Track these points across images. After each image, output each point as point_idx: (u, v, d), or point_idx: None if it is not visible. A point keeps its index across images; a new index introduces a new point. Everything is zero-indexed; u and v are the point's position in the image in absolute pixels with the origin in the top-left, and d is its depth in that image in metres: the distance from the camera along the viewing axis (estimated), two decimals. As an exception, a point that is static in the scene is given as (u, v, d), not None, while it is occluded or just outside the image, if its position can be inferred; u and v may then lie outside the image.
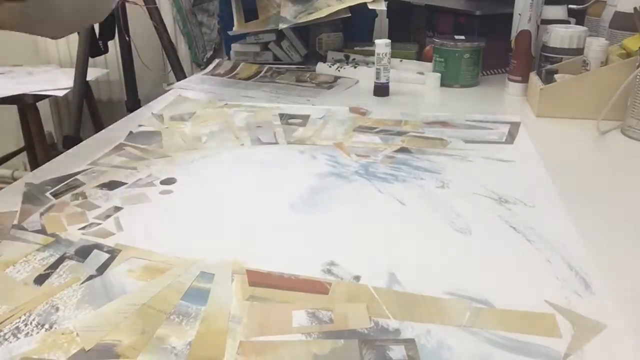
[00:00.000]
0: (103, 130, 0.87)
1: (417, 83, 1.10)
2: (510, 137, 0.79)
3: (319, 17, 1.17)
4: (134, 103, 1.69)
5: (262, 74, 1.16)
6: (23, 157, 1.97)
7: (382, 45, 0.98)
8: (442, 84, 1.07)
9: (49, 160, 0.73)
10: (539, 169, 0.68)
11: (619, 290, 0.44)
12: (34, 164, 1.82)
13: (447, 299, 0.44)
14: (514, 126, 0.83)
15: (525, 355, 0.37)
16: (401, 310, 0.42)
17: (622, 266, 0.49)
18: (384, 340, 0.39)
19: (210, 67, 1.22)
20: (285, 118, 0.89)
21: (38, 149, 1.62)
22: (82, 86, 1.45)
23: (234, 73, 1.17)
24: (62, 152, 0.77)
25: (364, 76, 1.12)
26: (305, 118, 0.88)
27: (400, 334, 0.40)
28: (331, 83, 1.09)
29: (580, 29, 0.95)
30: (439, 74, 1.07)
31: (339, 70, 1.16)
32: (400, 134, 0.81)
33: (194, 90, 1.06)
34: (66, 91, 1.51)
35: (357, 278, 0.46)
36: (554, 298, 0.43)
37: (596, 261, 0.48)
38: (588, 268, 0.47)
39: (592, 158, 0.74)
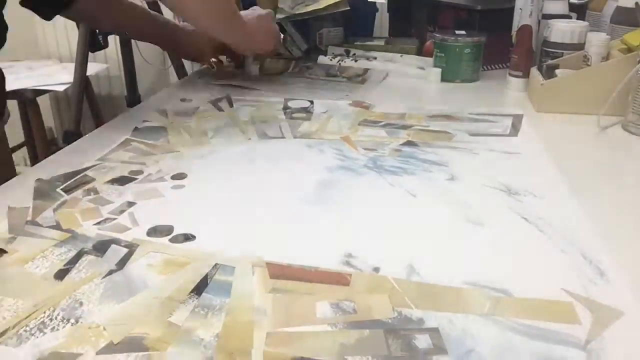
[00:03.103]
0: (106, 124, 0.87)
1: (417, 78, 1.10)
2: (514, 130, 0.80)
3: (317, 9, 1.17)
4: (134, 98, 1.69)
5: (290, 69, 1.16)
6: (23, 152, 1.95)
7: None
8: (443, 79, 1.08)
9: (49, 156, 0.72)
10: (545, 161, 0.69)
11: (633, 278, 0.45)
12: (34, 159, 1.81)
13: (467, 289, 0.44)
14: (517, 118, 0.84)
15: (548, 342, 0.38)
16: (423, 300, 0.43)
17: (633, 254, 0.50)
18: (409, 330, 0.40)
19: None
20: (289, 112, 0.89)
21: (38, 144, 1.61)
22: (82, 81, 1.44)
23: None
24: (62, 148, 0.77)
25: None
26: (309, 112, 0.89)
27: (424, 323, 0.40)
28: (362, 76, 1.09)
29: (582, 24, 0.96)
30: (439, 69, 1.08)
31: (339, 64, 1.17)
32: (405, 127, 0.81)
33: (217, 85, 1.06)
34: (66, 86, 1.50)
35: (377, 269, 0.47)
36: (571, 286, 0.44)
37: (609, 250, 0.49)
38: (601, 256, 0.48)
39: (593, 153, 0.75)
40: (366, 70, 1.12)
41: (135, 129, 0.82)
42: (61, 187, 0.63)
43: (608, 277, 0.45)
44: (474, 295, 0.43)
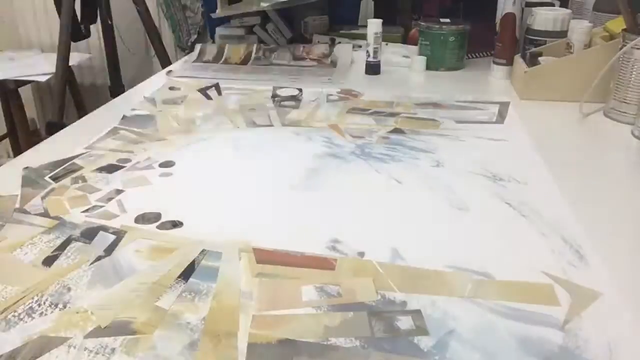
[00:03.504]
0: (92, 113, 0.87)
1: (403, 66, 1.11)
2: (500, 117, 0.81)
3: None
4: (117, 88, 1.68)
5: (254, 54, 1.15)
6: (5, 143, 1.94)
7: (377, 24, 1.02)
8: (428, 67, 1.09)
9: (31, 147, 0.72)
10: (529, 148, 0.70)
11: (611, 261, 0.47)
12: (17, 150, 1.80)
13: (449, 272, 0.45)
14: (504, 106, 0.85)
15: (527, 323, 0.39)
16: (406, 283, 0.44)
17: (611, 238, 0.51)
18: (392, 312, 0.41)
19: (194, 54, 1.19)
20: (278, 100, 0.89)
21: (21, 135, 1.60)
22: (65, 71, 1.43)
23: (224, 58, 1.15)
24: (45, 139, 0.76)
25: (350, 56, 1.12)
26: (298, 100, 0.89)
27: (407, 305, 0.41)
28: (329, 56, 1.08)
29: (565, 11, 0.97)
30: (424, 57, 1.09)
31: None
32: (393, 115, 0.82)
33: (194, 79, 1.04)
34: (48, 76, 1.49)
35: (362, 254, 0.48)
36: (551, 269, 0.45)
37: (588, 234, 0.50)
38: (581, 240, 0.49)
39: (575, 139, 0.76)
40: (331, 51, 1.11)
41: (124, 117, 0.82)
42: (49, 175, 0.63)
43: (587, 261, 0.47)
44: (456, 278, 0.45)
